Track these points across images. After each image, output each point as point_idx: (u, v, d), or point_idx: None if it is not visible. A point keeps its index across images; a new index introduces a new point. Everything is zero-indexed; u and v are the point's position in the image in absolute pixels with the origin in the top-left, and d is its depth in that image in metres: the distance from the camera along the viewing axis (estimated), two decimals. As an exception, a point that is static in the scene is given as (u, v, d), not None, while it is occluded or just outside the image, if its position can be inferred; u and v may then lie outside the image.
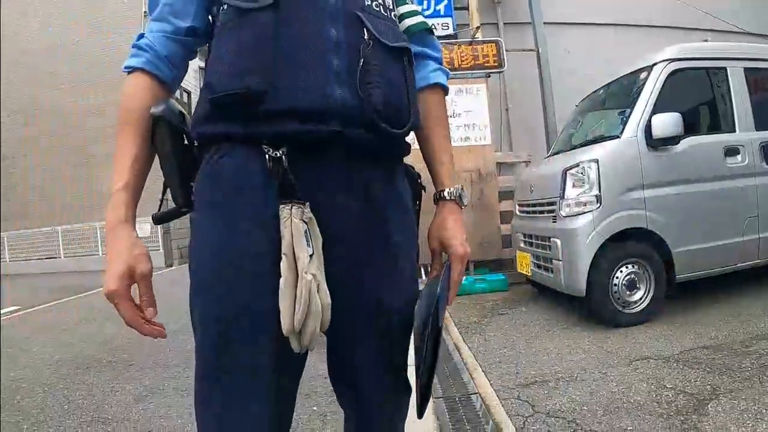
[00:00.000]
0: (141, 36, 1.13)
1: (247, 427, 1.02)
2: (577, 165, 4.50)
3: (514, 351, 3.96)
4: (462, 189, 1.29)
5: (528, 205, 5.53)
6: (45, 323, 7.17)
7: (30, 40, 18.84)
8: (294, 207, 0.97)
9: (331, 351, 1.18)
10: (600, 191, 4.33)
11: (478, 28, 7.31)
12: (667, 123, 4.25)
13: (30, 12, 18.65)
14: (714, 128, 4.76)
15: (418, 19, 1.26)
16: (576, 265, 4.33)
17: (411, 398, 1.22)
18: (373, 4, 1.13)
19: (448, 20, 7.64)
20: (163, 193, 1.15)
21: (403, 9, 1.25)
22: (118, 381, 4.10)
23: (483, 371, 3.54)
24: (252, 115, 0.98)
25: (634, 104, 4.54)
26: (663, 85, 4.52)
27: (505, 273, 6.66)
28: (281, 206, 0.97)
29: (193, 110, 1.09)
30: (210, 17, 1.15)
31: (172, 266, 14.14)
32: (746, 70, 4.78)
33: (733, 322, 4.04)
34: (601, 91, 5.60)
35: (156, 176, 1.13)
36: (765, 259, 4.75)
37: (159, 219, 1.18)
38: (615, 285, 4.31)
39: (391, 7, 1.19)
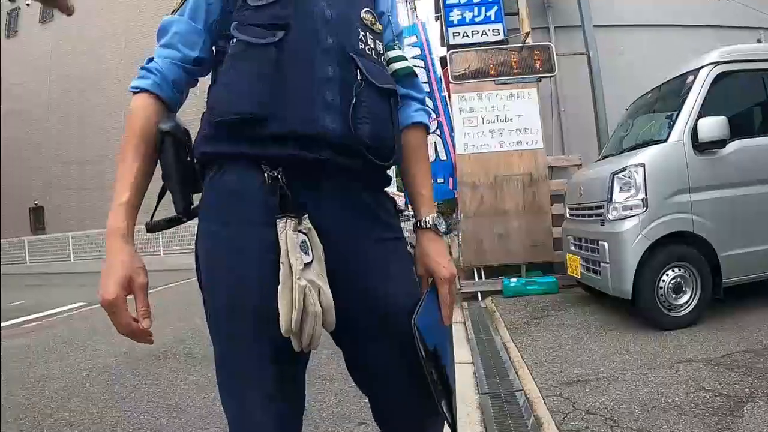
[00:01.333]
0: (150, 60, 1.22)
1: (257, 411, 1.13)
2: (624, 169, 4.57)
3: (560, 351, 4.08)
4: (438, 217, 1.36)
5: (577, 209, 5.60)
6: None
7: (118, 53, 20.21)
8: (288, 220, 1.07)
9: (344, 347, 1.27)
10: (646, 195, 4.39)
11: (528, 33, 7.35)
12: (712, 126, 4.29)
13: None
14: (763, 131, 4.75)
15: (405, 63, 1.38)
16: (622, 268, 4.41)
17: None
18: (366, 48, 1.25)
19: (499, 26, 7.68)
20: (157, 203, 1.23)
21: (392, 54, 1.37)
22: (181, 372, 4.44)
23: (528, 370, 3.69)
24: (252, 138, 1.10)
25: (680, 108, 4.57)
26: (709, 88, 4.54)
27: (556, 276, 6.73)
28: (277, 219, 1.07)
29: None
30: (214, 48, 1.26)
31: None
32: (796, 71, 4.71)
33: (778, 329, 4.03)
34: (650, 94, 5.62)
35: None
36: (815, 264, 4.68)
37: (151, 228, 1.27)
38: (661, 288, 4.36)
39: (381, 52, 1.31)
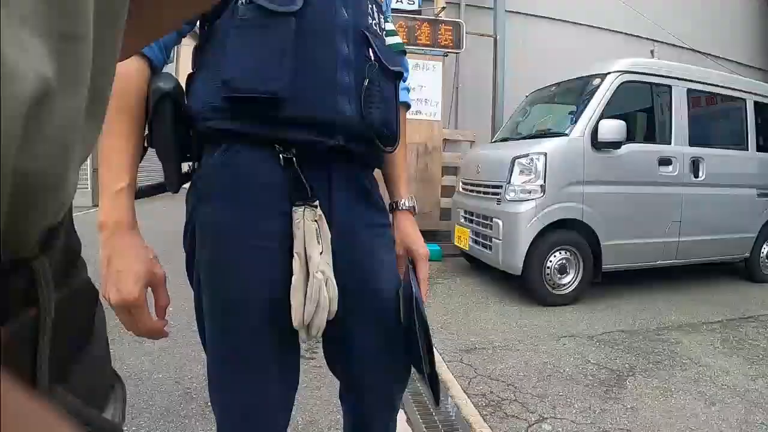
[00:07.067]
0: None
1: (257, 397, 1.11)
2: (527, 155, 4.84)
3: (453, 319, 4.29)
4: (413, 198, 1.38)
5: (473, 185, 5.85)
6: None
7: None
8: (307, 209, 1.02)
9: (329, 333, 1.16)
10: (545, 182, 4.71)
11: (443, 8, 7.51)
12: (612, 128, 4.67)
13: None
14: (652, 138, 5.27)
15: (397, 39, 1.33)
16: (516, 246, 4.71)
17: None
18: (374, 23, 1.17)
19: (415, -4, 7.81)
20: None
21: (386, 27, 1.29)
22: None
23: (428, 335, 3.87)
24: (269, 119, 1.01)
25: (585, 107, 4.92)
26: (613, 93, 4.94)
27: (439, 244, 7.00)
28: (294, 207, 1.02)
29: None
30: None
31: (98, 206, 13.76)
32: (689, 90, 5.31)
33: (647, 312, 4.57)
34: (554, 87, 5.96)
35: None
36: (681, 259, 5.38)
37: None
38: (548, 268, 4.74)
39: (384, 27, 1.23)
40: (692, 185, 5.26)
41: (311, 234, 1.02)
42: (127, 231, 0.97)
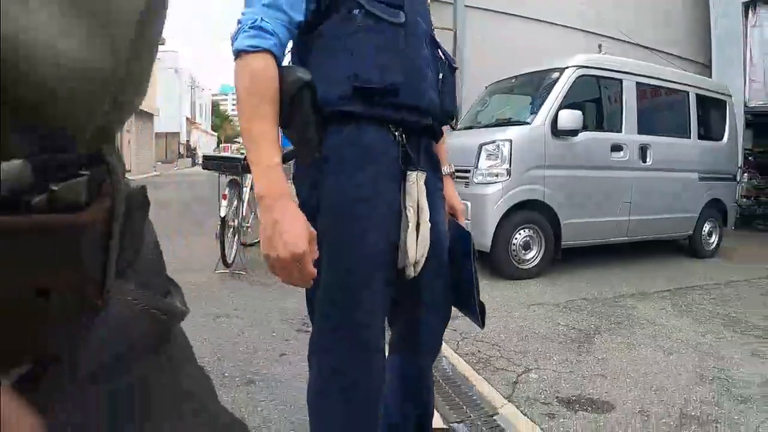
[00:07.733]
0: (258, 18, 1.15)
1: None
2: (493, 142, 5.22)
3: (428, 293, 4.63)
4: (452, 165, 1.67)
5: (440, 170, 6.22)
6: None
7: None
8: (419, 172, 1.32)
9: (402, 287, 1.41)
10: (510, 166, 5.10)
11: (407, 3, 7.78)
12: (570, 118, 5.12)
13: None
14: (605, 127, 5.80)
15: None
16: (484, 226, 5.08)
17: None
18: (433, 29, 1.48)
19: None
20: None
21: None
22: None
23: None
24: (387, 105, 1.28)
25: (545, 98, 5.35)
26: (571, 85, 5.38)
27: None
28: (409, 172, 1.30)
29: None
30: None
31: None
32: (637, 83, 5.86)
33: (604, 284, 5.04)
34: (513, 79, 6.37)
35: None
36: (631, 237, 5.96)
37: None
38: (513, 245, 5.15)
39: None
40: (641, 169, 5.81)
41: (422, 191, 1.33)
42: (288, 198, 1.13)
